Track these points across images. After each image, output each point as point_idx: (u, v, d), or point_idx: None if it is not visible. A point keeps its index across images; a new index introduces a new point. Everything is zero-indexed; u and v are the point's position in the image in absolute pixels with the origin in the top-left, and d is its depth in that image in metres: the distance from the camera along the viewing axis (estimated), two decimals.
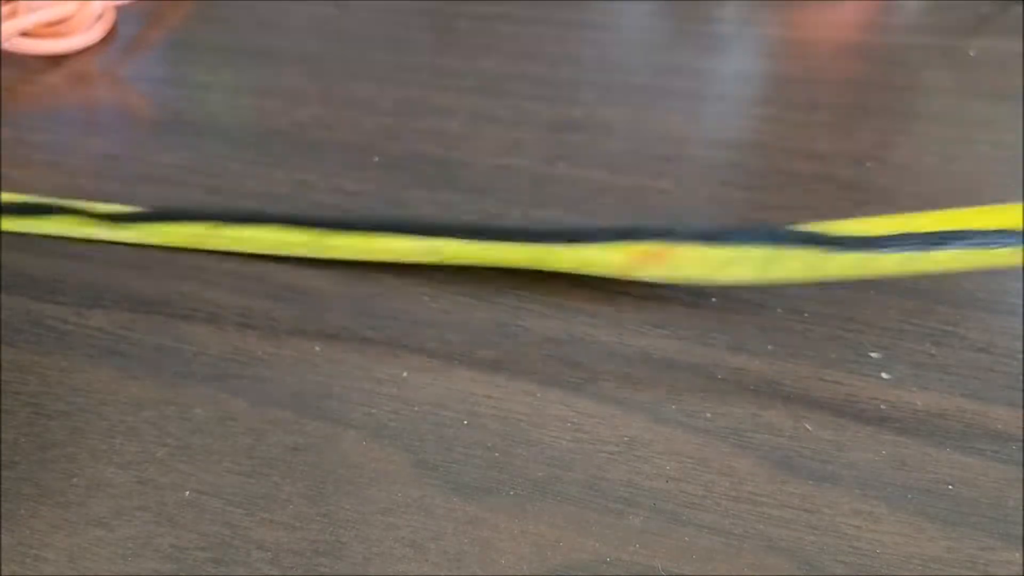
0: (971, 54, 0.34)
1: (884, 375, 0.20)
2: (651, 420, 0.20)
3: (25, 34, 0.36)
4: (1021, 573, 0.17)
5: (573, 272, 0.22)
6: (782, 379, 0.20)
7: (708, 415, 0.20)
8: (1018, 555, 0.17)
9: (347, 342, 0.22)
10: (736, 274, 0.20)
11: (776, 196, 0.26)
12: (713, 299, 0.23)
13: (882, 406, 0.20)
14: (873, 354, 0.21)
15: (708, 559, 0.17)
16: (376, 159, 0.29)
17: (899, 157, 0.28)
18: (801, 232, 0.20)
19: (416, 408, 0.20)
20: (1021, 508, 0.18)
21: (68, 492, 0.19)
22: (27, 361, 0.22)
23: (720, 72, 0.34)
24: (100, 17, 0.38)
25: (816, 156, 0.28)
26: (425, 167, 0.28)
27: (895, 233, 0.19)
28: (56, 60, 0.36)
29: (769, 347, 0.21)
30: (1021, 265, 0.18)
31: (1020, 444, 0.19)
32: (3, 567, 0.17)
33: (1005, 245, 0.18)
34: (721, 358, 0.21)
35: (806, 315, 0.22)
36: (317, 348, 0.22)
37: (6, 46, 0.35)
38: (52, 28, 0.36)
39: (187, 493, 0.18)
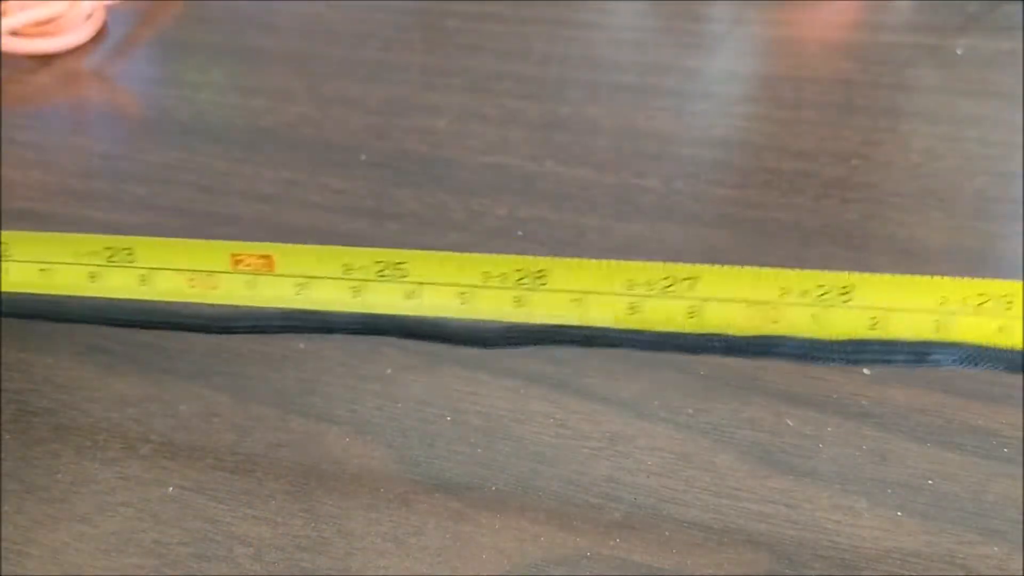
0: (958, 52, 0.34)
1: (865, 371, 0.21)
2: (633, 416, 0.20)
3: (15, 33, 0.36)
4: (999, 568, 0.17)
5: None
6: (764, 375, 0.21)
7: (690, 411, 0.20)
8: (996, 549, 0.17)
9: (331, 339, 0.22)
10: None
11: (761, 194, 0.27)
12: None
13: (863, 401, 0.20)
14: None
15: (688, 554, 0.17)
16: (363, 157, 0.29)
17: (885, 155, 0.28)
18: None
19: (399, 405, 0.20)
20: (1000, 503, 0.18)
21: (52, 488, 0.19)
22: (12, 358, 0.22)
23: (707, 71, 0.34)
24: (90, 16, 0.38)
25: (802, 154, 0.28)
26: (412, 165, 0.29)
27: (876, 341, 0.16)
28: (46, 59, 0.36)
29: None
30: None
31: (1000, 440, 0.19)
32: None
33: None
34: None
35: None
36: (301, 345, 0.22)
37: None
38: (42, 27, 0.36)
39: (170, 489, 0.19)
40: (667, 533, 0.17)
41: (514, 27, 0.37)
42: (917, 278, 0.16)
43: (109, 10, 0.40)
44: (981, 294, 0.16)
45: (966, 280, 0.16)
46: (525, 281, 0.17)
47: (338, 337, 0.21)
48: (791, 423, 0.19)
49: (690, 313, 0.17)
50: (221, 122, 0.32)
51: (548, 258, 0.17)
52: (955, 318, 0.16)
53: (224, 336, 0.20)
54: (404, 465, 0.19)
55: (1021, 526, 0.17)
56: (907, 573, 0.17)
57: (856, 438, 0.19)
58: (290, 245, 0.18)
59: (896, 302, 0.16)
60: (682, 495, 0.18)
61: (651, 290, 0.17)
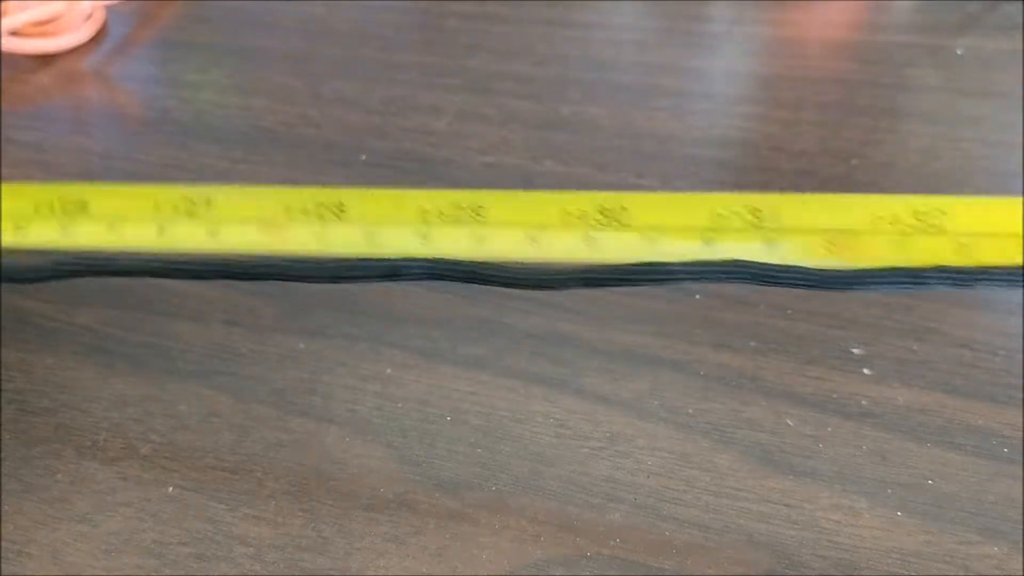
0: (958, 52, 0.34)
1: (866, 371, 0.21)
2: (633, 416, 0.20)
3: (15, 33, 0.36)
4: (999, 568, 0.17)
5: None
6: (764, 375, 0.21)
7: (690, 411, 0.20)
8: (996, 549, 0.17)
9: (331, 339, 0.22)
10: None
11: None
12: (697, 296, 0.23)
13: (863, 401, 0.20)
14: (855, 350, 0.21)
15: (688, 554, 0.17)
16: (363, 157, 0.29)
17: (884, 155, 0.28)
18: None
19: (399, 404, 0.20)
20: (1000, 503, 0.18)
21: (52, 488, 0.19)
22: (13, 358, 0.22)
23: (707, 70, 0.34)
24: (90, 16, 0.38)
25: (802, 154, 0.28)
26: (412, 165, 0.29)
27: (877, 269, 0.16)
28: (46, 59, 0.36)
29: (752, 343, 0.21)
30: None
31: (1000, 439, 0.19)
32: None
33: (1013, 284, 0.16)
34: (704, 354, 0.21)
35: (789, 311, 0.22)
36: (301, 345, 0.22)
37: None
38: (42, 27, 0.36)
39: (170, 489, 0.19)
40: (667, 533, 0.17)
41: (514, 27, 0.37)
42: (401, 192, 0.17)
43: (109, 10, 0.40)
44: (453, 204, 0.17)
45: (444, 192, 0.17)
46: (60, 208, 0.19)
47: (337, 337, 0.22)
48: (791, 423, 0.19)
49: (210, 234, 0.18)
50: (221, 122, 0.32)
51: (83, 186, 0.19)
52: (433, 229, 0.17)
53: None
54: (404, 465, 0.19)
55: (1021, 526, 0.17)
56: (907, 573, 0.17)
57: (856, 438, 0.19)
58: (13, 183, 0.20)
59: (384, 217, 0.17)
60: (682, 495, 0.18)
61: (176, 213, 0.18)
